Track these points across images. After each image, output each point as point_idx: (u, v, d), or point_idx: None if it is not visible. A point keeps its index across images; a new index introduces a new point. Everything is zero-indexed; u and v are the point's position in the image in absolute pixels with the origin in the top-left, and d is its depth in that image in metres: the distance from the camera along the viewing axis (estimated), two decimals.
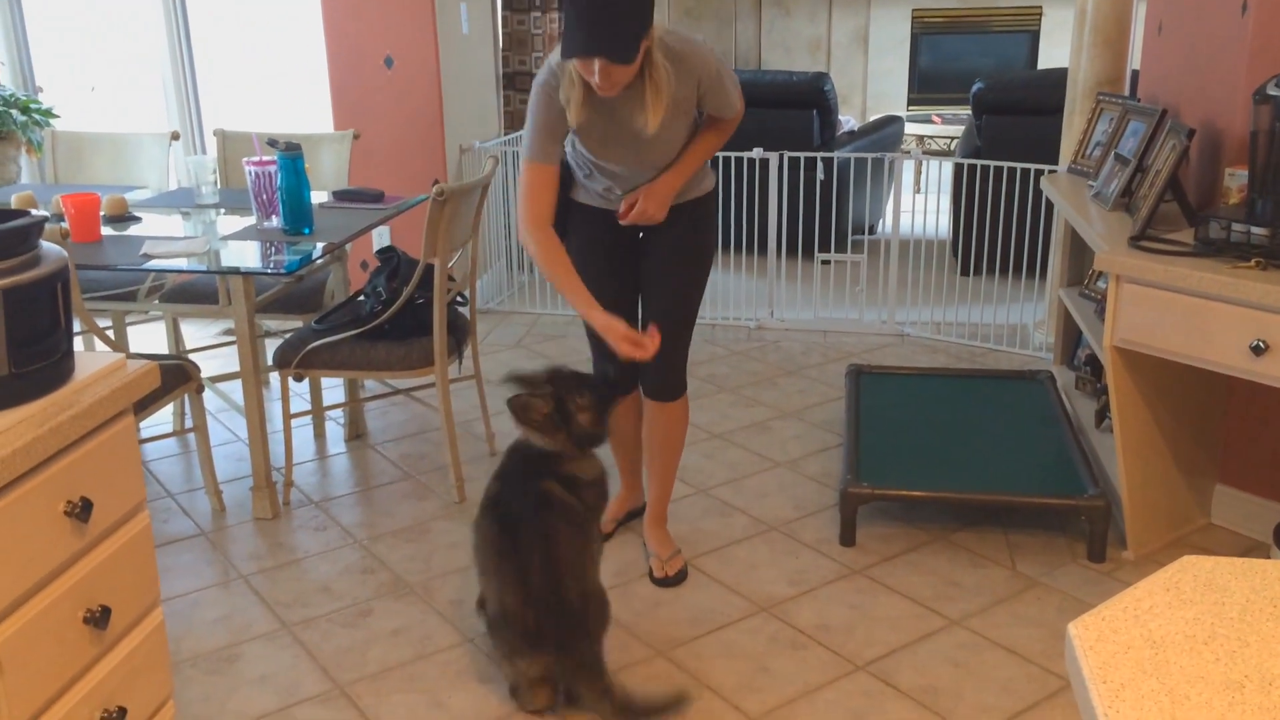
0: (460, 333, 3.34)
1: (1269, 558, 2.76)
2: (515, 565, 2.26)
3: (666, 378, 2.77)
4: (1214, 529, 3.06)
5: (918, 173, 7.43)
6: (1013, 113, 5.32)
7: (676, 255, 2.70)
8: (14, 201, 3.28)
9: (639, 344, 2.44)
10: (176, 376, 3.00)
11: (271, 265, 2.99)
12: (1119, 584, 2.79)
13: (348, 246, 3.51)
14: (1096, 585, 2.79)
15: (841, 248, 5.47)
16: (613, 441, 2.96)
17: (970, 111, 5.63)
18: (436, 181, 3.06)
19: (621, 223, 2.64)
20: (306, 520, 3.21)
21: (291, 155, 3.11)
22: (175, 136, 4.10)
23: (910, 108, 9.39)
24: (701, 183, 2.72)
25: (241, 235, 3.23)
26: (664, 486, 2.93)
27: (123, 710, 1.57)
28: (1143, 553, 2.92)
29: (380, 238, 4.71)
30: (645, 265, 2.74)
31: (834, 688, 2.42)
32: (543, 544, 2.26)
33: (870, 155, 5.22)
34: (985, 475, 3.06)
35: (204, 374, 3.22)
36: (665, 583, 2.83)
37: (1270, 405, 2.94)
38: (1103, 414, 3.37)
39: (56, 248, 1.49)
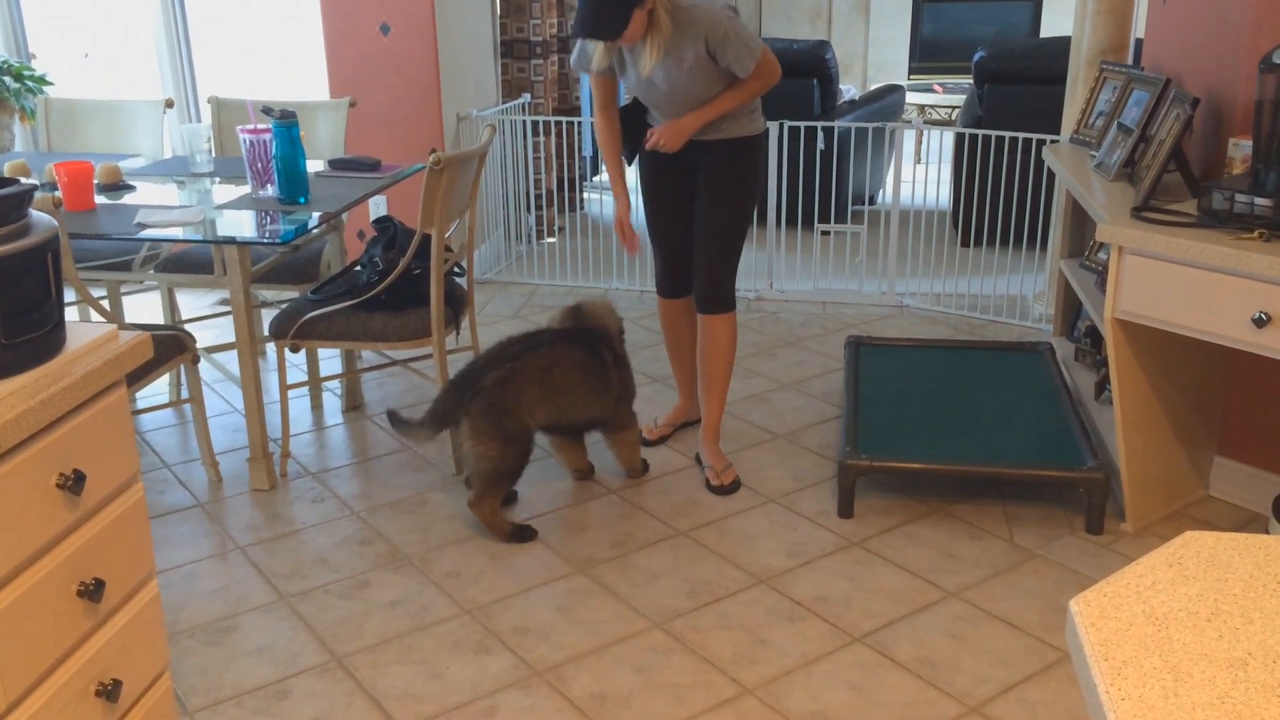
0: (458, 303, 3.32)
1: (1267, 530, 2.76)
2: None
3: (709, 289, 3.17)
4: (1212, 501, 3.06)
5: (919, 142, 7.39)
6: (1015, 82, 5.28)
7: (717, 182, 3.14)
8: (6, 169, 3.25)
9: (628, 238, 3.20)
10: (172, 347, 2.98)
11: (267, 235, 2.97)
12: (1117, 556, 2.79)
13: (344, 216, 3.49)
14: (1094, 557, 2.79)
15: (841, 218, 5.44)
16: (670, 350, 3.49)
17: (972, 80, 5.58)
18: (434, 150, 3.04)
19: (645, 146, 3.13)
20: (304, 492, 3.20)
21: (287, 123, 3.08)
22: (169, 104, 4.06)
23: (911, 76, 9.32)
24: (745, 126, 3.10)
25: (237, 204, 3.20)
26: (716, 403, 3.28)
27: (118, 682, 1.56)
28: (1141, 525, 2.92)
29: (377, 207, 4.68)
30: (697, 191, 3.18)
31: (831, 659, 2.42)
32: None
33: (871, 125, 5.18)
34: (984, 447, 3.06)
35: (200, 344, 3.20)
36: (720, 491, 3.16)
37: (1271, 377, 2.93)
38: (1102, 386, 3.36)
39: (46, 217, 1.47)
